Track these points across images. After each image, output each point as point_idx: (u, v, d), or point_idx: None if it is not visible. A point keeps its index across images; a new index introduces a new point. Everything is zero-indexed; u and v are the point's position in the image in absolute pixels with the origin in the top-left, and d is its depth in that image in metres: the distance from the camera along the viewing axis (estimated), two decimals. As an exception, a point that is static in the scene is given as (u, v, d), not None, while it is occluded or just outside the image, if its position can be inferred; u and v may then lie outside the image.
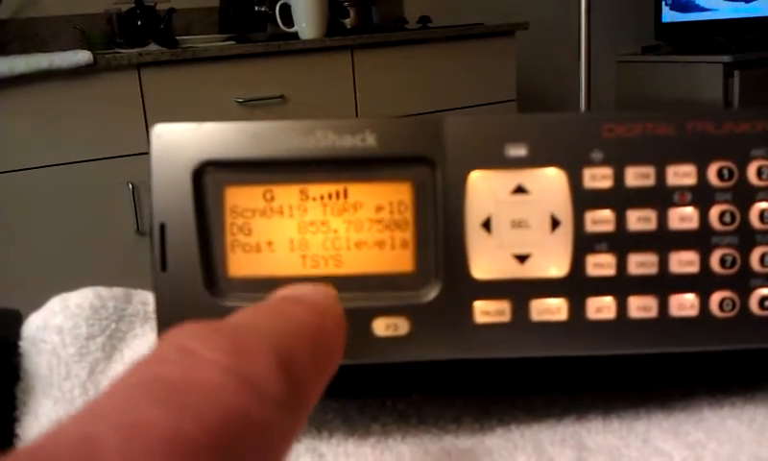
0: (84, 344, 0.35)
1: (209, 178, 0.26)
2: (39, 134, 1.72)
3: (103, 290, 0.39)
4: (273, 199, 0.26)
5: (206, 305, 0.26)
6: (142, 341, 0.37)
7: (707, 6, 2.77)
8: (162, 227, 0.26)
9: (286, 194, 0.26)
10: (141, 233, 1.83)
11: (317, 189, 0.26)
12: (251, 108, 1.90)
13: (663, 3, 2.83)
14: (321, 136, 0.26)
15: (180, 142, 0.26)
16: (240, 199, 0.26)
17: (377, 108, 2.05)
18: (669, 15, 2.84)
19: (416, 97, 2.10)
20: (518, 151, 0.26)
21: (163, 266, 0.26)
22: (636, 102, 2.79)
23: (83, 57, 1.70)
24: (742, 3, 2.71)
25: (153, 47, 1.86)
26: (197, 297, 0.26)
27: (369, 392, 0.32)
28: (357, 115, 2.04)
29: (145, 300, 0.40)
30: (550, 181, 0.26)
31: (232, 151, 0.26)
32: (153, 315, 0.39)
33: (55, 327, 0.36)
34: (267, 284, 0.26)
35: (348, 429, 0.30)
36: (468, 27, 2.23)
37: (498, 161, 0.26)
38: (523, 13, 2.40)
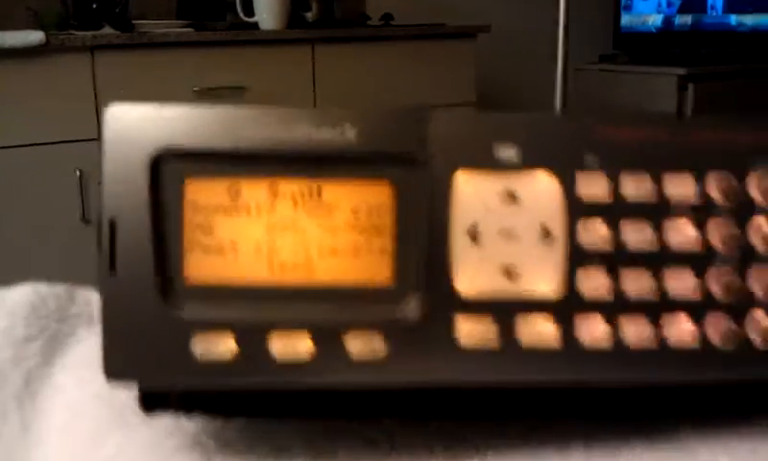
0: (20, 347, 0.32)
1: (168, 168, 0.23)
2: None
3: (43, 287, 0.36)
4: (238, 195, 0.24)
5: (159, 314, 0.23)
6: (85, 346, 0.34)
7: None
8: (112, 222, 0.23)
9: (254, 190, 0.24)
10: (87, 222, 1.77)
11: (288, 186, 0.24)
12: (208, 97, 1.86)
13: (622, 8, 2.86)
14: (295, 127, 0.23)
15: (137, 126, 0.23)
16: (201, 193, 0.23)
17: (336, 103, 2.02)
18: (627, 19, 2.86)
19: (375, 94, 2.08)
20: (508, 152, 0.24)
21: (112, 266, 0.23)
22: (591, 111, 2.80)
23: (35, 37, 1.65)
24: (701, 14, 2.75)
25: (107, 30, 1.80)
26: (149, 303, 0.23)
27: (334, 413, 0.29)
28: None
29: (89, 299, 0.37)
30: (542, 187, 0.24)
31: (195, 139, 0.23)
32: (96, 316, 0.36)
33: (-12, 326, 0.32)
34: (228, 293, 0.24)
35: (312, 456, 0.27)
36: (430, 27, 2.21)
37: (487, 162, 0.24)
38: (486, 17, 2.39)
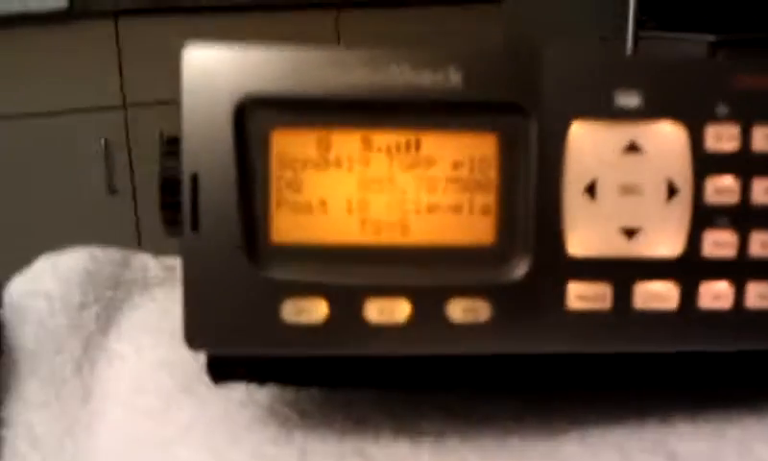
0: (76, 314, 0.30)
1: (253, 117, 0.21)
2: (6, 82, 1.64)
3: (98, 251, 0.34)
4: (329, 148, 0.21)
5: (246, 276, 0.21)
6: (142, 312, 0.32)
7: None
8: (194, 177, 0.21)
9: (345, 142, 0.21)
10: (113, 192, 1.76)
11: (383, 138, 0.21)
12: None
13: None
14: (393, 70, 0.21)
15: (218, 71, 0.21)
16: (290, 146, 0.21)
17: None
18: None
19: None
20: (631, 99, 0.21)
21: (194, 225, 0.21)
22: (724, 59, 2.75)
23: (57, 1, 1.62)
24: (731, -19, 2.68)
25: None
26: (234, 264, 0.21)
27: (409, 383, 0.27)
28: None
29: (145, 264, 0.35)
30: (668, 139, 0.22)
31: (283, 85, 0.21)
32: (153, 282, 0.34)
33: (42, 293, 0.30)
34: (318, 253, 0.22)
35: (396, 428, 0.25)
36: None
37: (607, 111, 0.21)
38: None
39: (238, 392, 0.27)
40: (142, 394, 0.27)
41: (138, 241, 1.69)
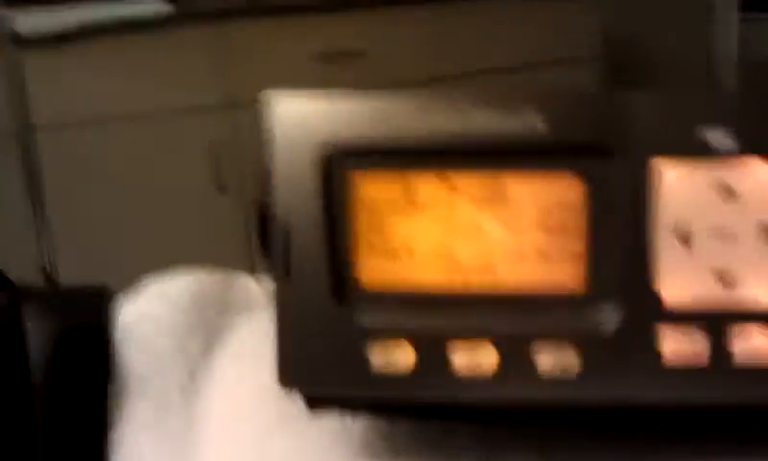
0: (183, 339, 0.32)
1: (339, 164, 0.22)
2: (114, 86, 1.71)
3: (203, 275, 0.35)
4: (413, 192, 0.22)
5: (335, 320, 0.22)
6: (245, 336, 0.33)
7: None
8: (286, 224, 0.22)
9: (429, 187, 0.22)
10: (221, 189, 1.82)
11: (467, 181, 0.22)
12: (329, 62, 1.86)
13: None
14: (473, 113, 0.21)
15: (306, 120, 0.21)
16: (374, 191, 0.22)
17: (456, 63, 1.98)
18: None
19: (496, 51, 2.02)
20: (722, 137, 0.21)
21: (287, 270, 0.22)
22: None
23: (162, 7, 1.68)
24: None
25: (233, -2, 1.82)
26: (324, 309, 0.22)
27: (505, 419, 0.27)
28: (434, 71, 1.98)
29: (246, 285, 0.36)
30: (761, 179, 0.21)
31: (366, 131, 0.21)
32: (255, 305, 0.35)
33: (152, 317, 0.32)
34: (405, 298, 0.22)
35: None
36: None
37: (696, 150, 0.21)
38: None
39: (334, 422, 0.27)
40: (242, 421, 0.28)
41: (247, 237, 1.74)
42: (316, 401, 0.28)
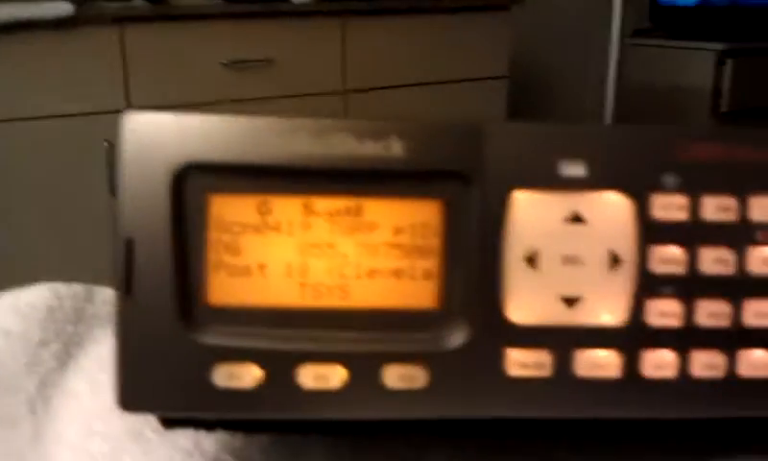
0: (35, 352, 0.30)
1: (192, 183, 0.21)
2: (13, 87, 1.65)
3: (61, 287, 0.34)
4: (269, 212, 0.21)
5: (178, 340, 0.21)
6: (102, 348, 0.32)
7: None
8: (129, 241, 0.21)
9: (286, 207, 0.21)
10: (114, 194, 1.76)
11: (324, 203, 0.21)
12: (236, 70, 1.84)
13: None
14: (336, 140, 0.21)
15: (157, 138, 0.21)
16: (228, 210, 0.21)
17: (367, 77, 1.99)
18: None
19: (406, 68, 2.04)
20: (575, 170, 0.21)
21: (128, 288, 0.21)
22: (627, 87, 2.74)
23: (63, 8, 1.63)
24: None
25: (137, 2, 1.78)
26: (167, 328, 0.21)
27: (366, 430, 0.27)
28: (345, 84, 1.98)
29: (107, 298, 0.35)
30: (612, 210, 0.21)
31: (222, 151, 0.21)
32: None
33: (2, 331, 0.30)
34: (255, 317, 0.21)
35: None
36: (463, -1, 2.16)
37: (550, 181, 0.21)
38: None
39: (186, 439, 0.27)
40: (92, 437, 0.27)
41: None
42: (171, 419, 0.27)
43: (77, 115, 1.72)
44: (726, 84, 2.54)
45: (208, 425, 0.27)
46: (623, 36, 2.68)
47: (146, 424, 0.28)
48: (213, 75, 1.81)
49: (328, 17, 1.93)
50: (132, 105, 1.76)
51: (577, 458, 0.26)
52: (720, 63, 2.54)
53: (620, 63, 2.65)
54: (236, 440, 0.27)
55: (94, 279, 0.36)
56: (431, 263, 0.22)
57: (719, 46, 2.54)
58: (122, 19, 1.72)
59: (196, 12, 1.79)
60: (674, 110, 2.62)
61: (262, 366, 0.21)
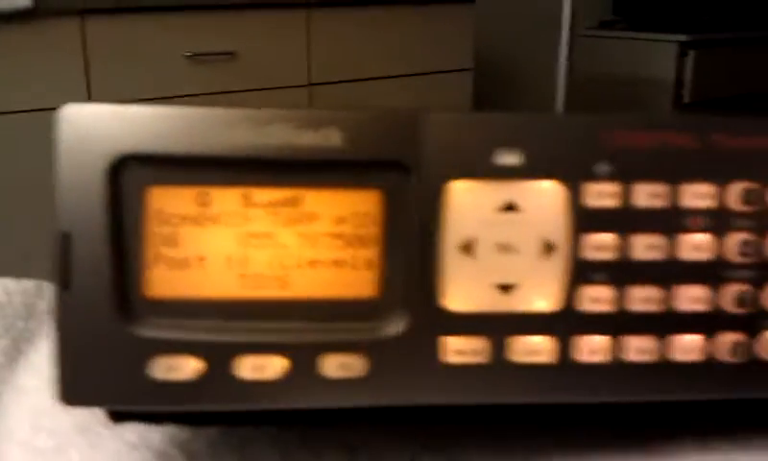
0: (-18, 349, 0.30)
1: (129, 175, 0.21)
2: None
3: (10, 283, 0.33)
4: (207, 204, 0.21)
5: (117, 333, 0.21)
6: (51, 344, 0.32)
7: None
8: (66, 235, 0.21)
9: (225, 198, 0.21)
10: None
11: (264, 194, 0.21)
12: (199, 63, 1.82)
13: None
14: (274, 130, 0.21)
15: (94, 130, 0.21)
16: (167, 202, 0.21)
17: (331, 70, 1.99)
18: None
19: (371, 61, 2.04)
20: (510, 159, 0.22)
21: (66, 283, 0.21)
22: (592, 79, 2.77)
23: (21, 1, 1.60)
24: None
25: (97, -7, 1.75)
26: (106, 322, 0.21)
27: (311, 419, 0.27)
28: (310, 76, 1.98)
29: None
30: (546, 198, 0.22)
31: (160, 143, 0.21)
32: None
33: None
34: (194, 310, 0.22)
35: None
36: (428, -9, 2.17)
37: (486, 170, 0.22)
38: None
39: (133, 433, 0.27)
40: (39, 432, 0.27)
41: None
42: (119, 413, 0.27)
43: (37, 110, 1.69)
44: (688, 76, 2.57)
45: (157, 419, 0.27)
46: (573, 27, 2.70)
47: (94, 418, 0.28)
48: (176, 68, 1.79)
49: (293, 9, 1.92)
50: (93, 100, 1.74)
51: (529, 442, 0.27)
52: (682, 55, 2.57)
53: (586, 55, 2.67)
54: (184, 433, 0.27)
55: (46, 275, 0.36)
56: (371, 253, 0.22)
57: (681, 38, 2.57)
58: (83, 12, 1.69)
59: (158, 3, 1.77)
60: (637, 102, 2.66)
61: (201, 358, 0.21)
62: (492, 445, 0.27)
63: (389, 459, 0.26)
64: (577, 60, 2.89)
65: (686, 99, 2.54)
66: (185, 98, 1.79)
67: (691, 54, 2.58)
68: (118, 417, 0.27)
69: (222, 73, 1.84)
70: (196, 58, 1.81)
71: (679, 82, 2.61)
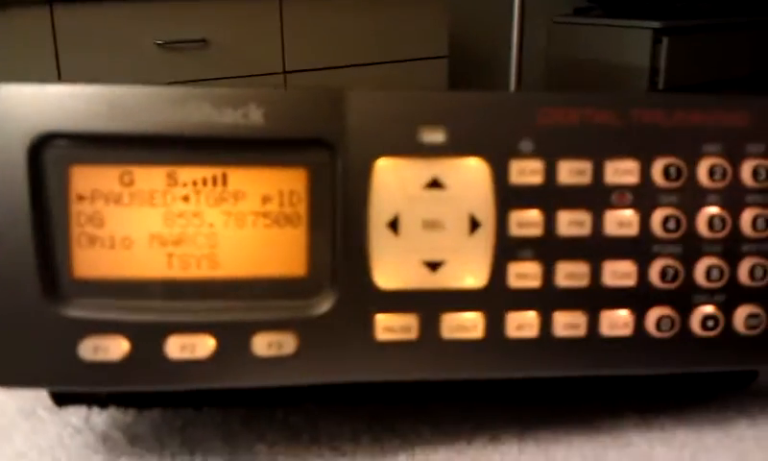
0: None
1: (51, 154, 0.21)
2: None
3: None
4: (132, 183, 0.21)
5: (44, 314, 0.21)
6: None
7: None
8: None
9: (150, 177, 0.21)
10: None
11: (189, 173, 0.21)
12: (171, 51, 1.81)
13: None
14: (194, 108, 0.21)
15: (16, 109, 0.21)
16: (90, 182, 0.21)
17: (306, 57, 1.98)
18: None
19: (346, 48, 2.03)
20: (435, 136, 0.22)
21: None
22: (567, 65, 2.78)
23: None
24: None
25: (66, -19, 1.73)
26: (32, 303, 0.21)
27: (255, 401, 0.27)
28: (284, 65, 1.97)
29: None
30: (471, 175, 0.22)
31: (82, 121, 0.21)
32: None
33: None
34: (121, 290, 0.22)
35: (230, 450, 0.25)
36: (402, -22, 2.16)
37: (411, 148, 0.22)
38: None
39: (77, 416, 0.27)
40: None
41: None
42: (63, 396, 0.27)
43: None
44: (662, 62, 2.59)
45: (101, 402, 0.27)
46: (561, 15, 2.70)
47: (38, 402, 0.28)
48: (148, 55, 1.78)
49: (265, -2, 1.91)
50: (64, 87, 1.72)
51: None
52: (656, 41, 2.59)
53: (561, 42, 2.68)
54: (127, 416, 0.27)
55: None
56: (298, 231, 0.22)
57: (655, 24, 2.59)
58: (52, 0, 1.67)
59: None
60: (612, 88, 2.67)
61: (129, 338, 0.21)
62: (435, 422, 0.27)
63: (331, 438, 0.26)
64: (552, 46, 2.90)
65: (661, 85, 2.56)
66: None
67: (665, 40, 2.59)
68: (62, 400, 0.27)
69: (194, 61, 1.83)
70: (167, 45, 1.80)
71: (653, 68, 2.63)
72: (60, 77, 1.71)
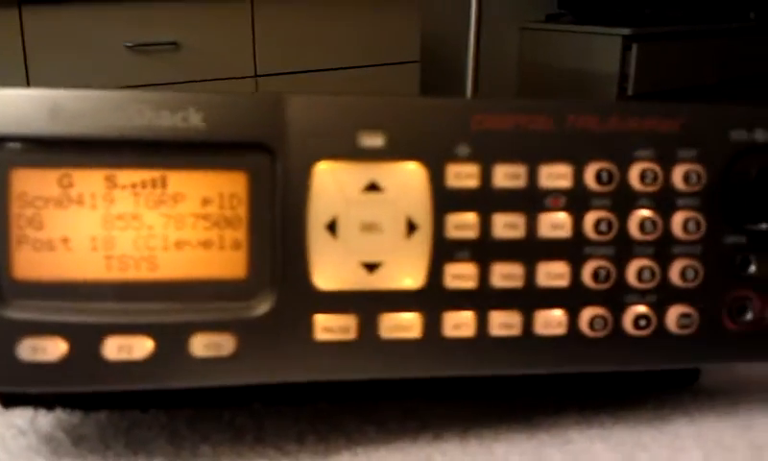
0: None
1: None
2: None
3: None
4: (71, 185, 0.21)
5: None
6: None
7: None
8: None
9: (88, 180, 0.21)
10: None
11: (128, 176, 0.22)
12: (141, 53, 1.80)
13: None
14: (134, 112, 0.21)
15: None
16: (30, 184, 0.21)
17: (278, 61, 1.98)
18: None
19: (318, 52, 2.04)
20: (374, 140, 0.22)
21: None
22: (539, 71, 2.80)
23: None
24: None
25: (34, -18, 1.72)
26: None
27: (202, 402, 0.28)
28: (256, 69, 1.96)
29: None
30: (408, 178, 0.22)
31: (21, 125, 0.21)
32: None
33: None
34: (59, 292, 0.22)
35: (174, 451, 0.26)
36: (374, -17, 2.17)
37: (350, 152, 0.22)
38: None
39: (22, 418, 0.27)
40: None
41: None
42: (9, 397, 0.27)
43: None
44: (632, 69, 2.62)
45: (48, 403, 0.28)
46: (532, 21, 2.73)
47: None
48: (118, 58, 1.77)
49: (235, 1, 1.91)
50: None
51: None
52: (626, 48, 2.62)
53: (532, 48, 2.70)
54: (74, 417, 0.27)
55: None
56: (238, 233, 0.22)
57: (625, 31, 2.62)
58: (20, 1, 1.66)
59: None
60: (582, 95, 2.70)
61: (67, 339, 0.21)
62: (380, 421, 0.27)
63: (276, 439, 0.26)
64: (523, 52, 2.92)
65: (630, 91, 2.59)
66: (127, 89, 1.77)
67: (635, 47, 2.62)
68: (8, 402, 0.27)
69: (164, 64, 1.82)
70: (137, 48, 1.79)
71: (623, 75, 2.66)
72: (28, 80, 1.69)
